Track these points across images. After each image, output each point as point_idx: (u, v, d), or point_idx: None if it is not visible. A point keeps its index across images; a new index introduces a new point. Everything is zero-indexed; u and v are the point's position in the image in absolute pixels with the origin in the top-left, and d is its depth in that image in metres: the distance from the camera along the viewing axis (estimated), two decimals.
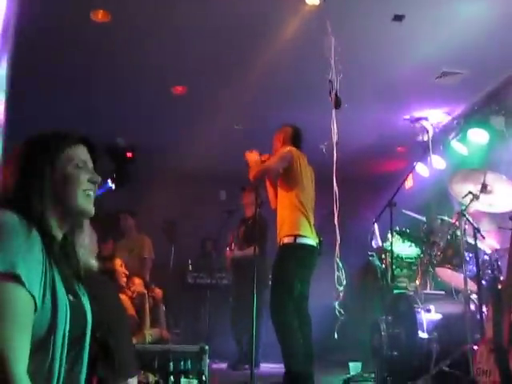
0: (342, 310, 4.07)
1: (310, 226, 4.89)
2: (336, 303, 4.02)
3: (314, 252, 4.84)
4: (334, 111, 4.13)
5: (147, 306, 5.03)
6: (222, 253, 7.73)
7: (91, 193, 1.78)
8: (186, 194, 9.06)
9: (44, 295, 1.54)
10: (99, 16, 5.19)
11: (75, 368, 1.70)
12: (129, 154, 8.37)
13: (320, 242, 4.89)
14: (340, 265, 3.88)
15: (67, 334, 1.60)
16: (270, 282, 4.97)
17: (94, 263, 1.78)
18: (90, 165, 1.82)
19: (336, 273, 3.87)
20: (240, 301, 6.75)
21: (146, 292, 5.21)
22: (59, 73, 6.35)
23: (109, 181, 7.99)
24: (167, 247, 8.26)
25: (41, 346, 1.54)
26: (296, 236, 4.75)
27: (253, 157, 5.10)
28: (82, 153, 1.82)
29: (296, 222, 4.81)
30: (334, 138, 4.12)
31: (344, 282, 3.92)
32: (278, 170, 4.93)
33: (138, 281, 5.45)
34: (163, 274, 7.80)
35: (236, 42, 5.72)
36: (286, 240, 4.79)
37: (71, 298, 1.66)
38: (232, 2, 5.01)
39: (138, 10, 5.17)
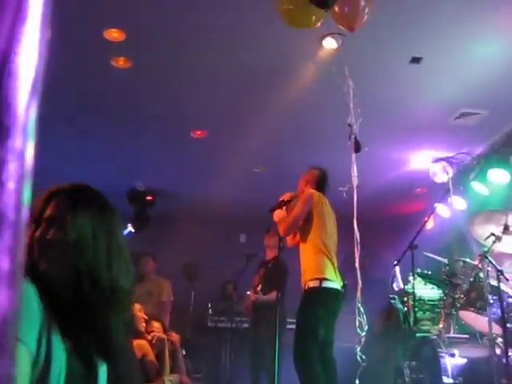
0: (363, 356, 3.99)
1: (335, 269, 4.82)
2: (358, 348, 3.94)
3: (339, 296, 4.77)
4: (353, 155, 4.13)
5: (167, 351, 4.97)
6: (242, 296, 7.67)
7: None
8: (205, 238, 9.06)
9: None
10: (120, 62, 5.29)
11: None
12: (149, 198, 8.42)
13: (344, 286, 4.82)
14: (361, 309, 3.82)
15: None
16: (295, 327, 4.89)
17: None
18: None
19: (357, 318, 3.81)
20: (259, 345, 6.68)
21: (165, 337, 5.17)
22: (81, 118, 6.46)
23: (129, 225, 8.03)
24: (187, 290, 8.24)
25: None
26: (321, 280, 4.67)
27: (278, 214, 5.05)
28: None
29: (321, 266, 4.73)
30: (355, 182, 4.10)
31: (366, 327, 3.85)
32: (304, 215, 4.90)
33: (156, 325, 5.41)
34: (183, 317, 7.77)
35: (255, 86, 5.79)
36: (312, 284, 4.70)
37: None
38: (251, 47, 5.07)
39: (158, 57, 5.27)
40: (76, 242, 1.59)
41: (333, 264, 4.80)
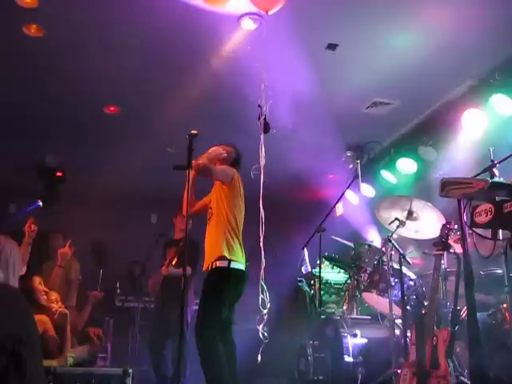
0: (265, 334, 4.03)
1: (242, 250, 4.78)
2: (260, 326, 3.97)
3: (245, 277, 4.74)
4: (262, 136, 4.15)
5: (68, 327, 4.88)
6: (150, 276, 7.59)
7: None
8: (116, 217, 8.92)
9: None
10: (33, 30, 5.11)
11: None
12: (58, 174, 8.21)
13: (247, 267, 4.80)
14: (265, 287, 3.86)
15: None
16: (198, 305, 4.83)
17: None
18: None
19: (260, 295, 3.84)
20: (164, 322, 6.61)
21: (67, 312, 5.07)
22: None
23: (39, 200, 7.80)
24: (95, 270, 8.09)
25: None
26: (230, 260, 4.63)
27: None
28: None
29: (232, 246, 4.67)
30: (262, 162, 4.13)
31: (268, 305, 3.89)
32: (218, 179, 4.75)
33: (55, 295, 5.30)
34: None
35: (172, 63, 5.71)
36: (219, 264, 4.64)
37: None
38: (173, 19, 4.98)
39: (69, 27, 5.12)
40: None
41: (241, 245, 4.76)
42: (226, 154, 4.87)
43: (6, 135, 7.39)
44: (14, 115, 6.92)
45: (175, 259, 6.76)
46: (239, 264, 4.64)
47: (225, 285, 4.60)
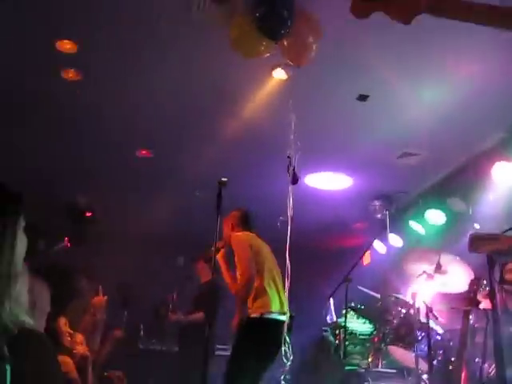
0: None
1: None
2: (281, 378, 3.93)
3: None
4: (290, 187, 4.17)
5: (90, 368, 4.87)
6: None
7: None
8: (143, 258, 8.94)
9: None
10: (70, 75, 5.23)
11: None
12: (88, 214, 8.30)
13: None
14: (287, 339, 3.83)
15: None
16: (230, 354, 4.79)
17: (27, 320, 1.65)
18: None
19: (283, 347, 3.81)
20: (185, 371, 6.56)
21: (88, 354, 5.07)
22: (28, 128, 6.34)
23: (65, 239, 7.89)
24: (120, 310, 8.11)
25: None
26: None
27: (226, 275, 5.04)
28: None
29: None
30: (290, 213, 4.14)
31: (291, 357, 3.85)
32: (251, 258, 4.83)
33: (80, 337, 5.31)
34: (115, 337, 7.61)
35: (202, 110, 5.78)
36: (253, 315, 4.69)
37: None
38: (204, 67, 5.06)
39: (107, 71, 5.23)
40: None
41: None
42: (230, 226, 5.12)
43: (41, 174, 7.51)
44: (49, 154, 7.04)
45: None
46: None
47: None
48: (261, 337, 4.61)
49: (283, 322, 4.68)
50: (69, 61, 5.03)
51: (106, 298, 6.55)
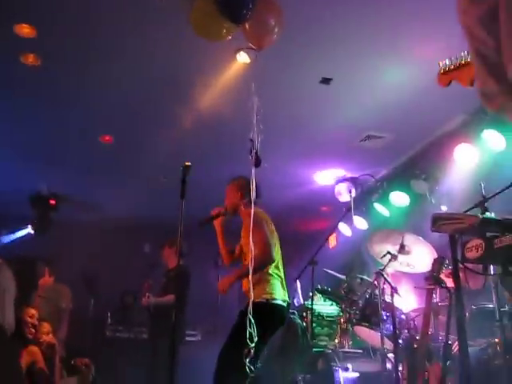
0: (252, 367, 3.97)
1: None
2: (247, 360, 3.92)
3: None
4: (253, 170, 4.15)
5: (57, 357, 4.83)
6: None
7: None
8: (109, 245, 8.87)
9: None
10: (30, 59, 5.14)
11: None
12: (52, 202, 8.21)
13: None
14: (252, 321, 3.82)
15: None
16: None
17: None
18: None
19: (248, 329, 3.80)
20: (156, 359, 6.55)
21: (55, 343, 5.02)
22: None
23: (29, 226, 7.79)
24: (86, 299, 8.06)
25: None
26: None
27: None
28: None
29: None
30: (253, 196, 4.13)
31: (255, 339, 3.85)
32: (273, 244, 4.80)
33: (46, 327, 5.25)
34: (81, 326, 7.56)
35: (165, 95, 5.74)
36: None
37: None
38: (166, 52, 5.04)
39: (67, 57, 5.15)
40: None
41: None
42: (239, 195, 4.95)
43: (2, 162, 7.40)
44: (8, 142, 6.93)
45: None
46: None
47: None
48: (268, 323, 4.47)
49: (287, 308, 4.72)
50: (28, 45, 4.95)
51: (52, 278, 6.45)
